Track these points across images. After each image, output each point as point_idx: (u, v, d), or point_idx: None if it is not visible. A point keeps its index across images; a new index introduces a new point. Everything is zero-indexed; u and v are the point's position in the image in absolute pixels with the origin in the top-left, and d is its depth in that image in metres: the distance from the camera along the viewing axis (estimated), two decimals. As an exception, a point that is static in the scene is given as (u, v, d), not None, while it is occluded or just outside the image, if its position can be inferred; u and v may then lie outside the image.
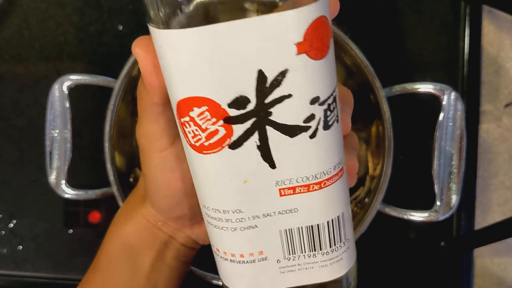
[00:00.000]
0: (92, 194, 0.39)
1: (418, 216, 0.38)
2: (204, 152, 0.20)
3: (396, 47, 0.44)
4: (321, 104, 0.19)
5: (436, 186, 0.38)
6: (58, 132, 0.38)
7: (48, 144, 0.38)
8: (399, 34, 0.44)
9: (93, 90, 0.44)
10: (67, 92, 0.38)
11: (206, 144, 0.19)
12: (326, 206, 0.21)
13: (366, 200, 0.39)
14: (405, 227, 0.44)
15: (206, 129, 0.19)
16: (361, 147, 0.42)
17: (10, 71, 0.45)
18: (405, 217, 0.38)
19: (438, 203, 0.38)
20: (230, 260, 0.22)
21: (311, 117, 0.19)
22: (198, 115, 0.19)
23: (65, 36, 0.45)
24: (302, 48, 0.18)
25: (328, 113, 0.19)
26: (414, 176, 0.43)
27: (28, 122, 0.45)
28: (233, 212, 0.21)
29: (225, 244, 0.22)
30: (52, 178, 0.38)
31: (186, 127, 0.19)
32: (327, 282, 0.23)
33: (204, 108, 0.18)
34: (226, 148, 0.19)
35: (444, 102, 0.38)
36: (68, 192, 0.38)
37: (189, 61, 0.18)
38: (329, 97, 0.19)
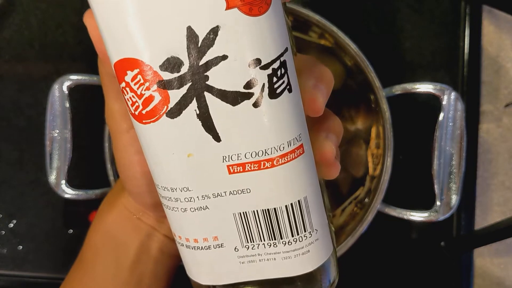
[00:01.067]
0: (92, 194, 0.39)
1: (418, 216, 0.38)
2: (144, 121, 0.18)
3: (396, 47, 0.44)
4: (264, 68, 0.17)
5: (436, 186, 0.38)
6: (58, 132, 0.38)
7: (48, 144, 0.38)
8: (399, 34, 0.44)
9: (93, 90, 0.44)
10: (67, 92, 0.38)
11: (144, 112, 0.18)
12: (283, 188, 0.19)
13: (366, 200, 0.39)
14: (405, 227, 0.44)
15: (142, 95, 0.18)
16: (361, 147, 0.42)
17: (10, 71, 0.45)
18: (405, 217, 0.38)
19: (438, 203, 0.38)
20: (186, 246, 0.21)
21: (252, 83, 0.17)
22: (132, 79, 0.18)
23: (65, 36, 0.45)
24: (232, 1, 0.16)
25: (275, 79, 0.18)
26: (414, 176, 0.43)
27: (28, 122, 0.45)
28: (181, 190, 0.19)
29: (178, 227, 0.21)
30: (52, 178, 0.38)
31: (125, 94, 0.18)
32: (295, 277, 0.21)
33: (136, 71, 0.17)
34: (164, 116, 0.18)
35: (444, 102, 0.38)
36: (68, 192, 0.38)
37: (116, 18, 0.17)
38: (274, 61, 0.17)
